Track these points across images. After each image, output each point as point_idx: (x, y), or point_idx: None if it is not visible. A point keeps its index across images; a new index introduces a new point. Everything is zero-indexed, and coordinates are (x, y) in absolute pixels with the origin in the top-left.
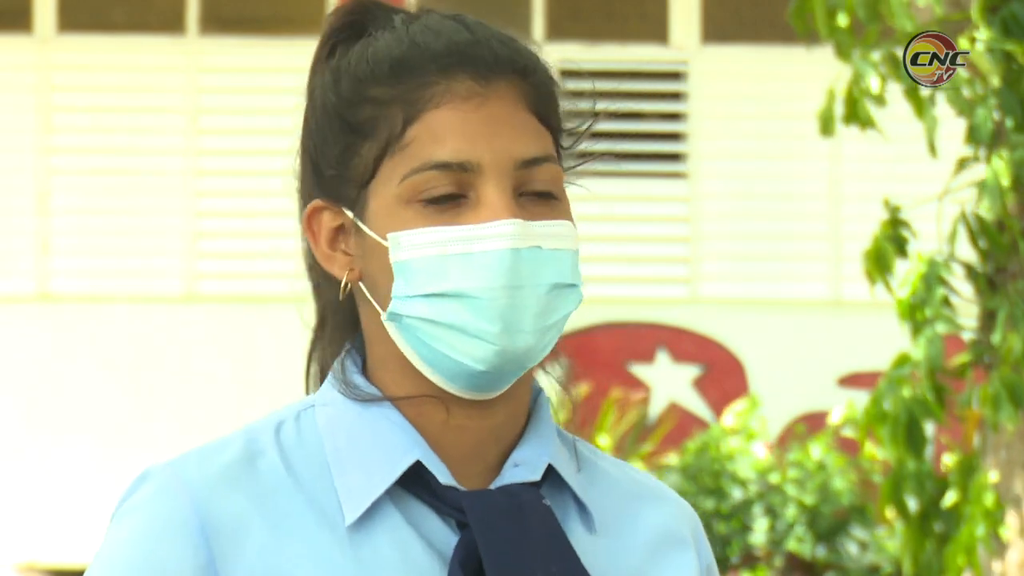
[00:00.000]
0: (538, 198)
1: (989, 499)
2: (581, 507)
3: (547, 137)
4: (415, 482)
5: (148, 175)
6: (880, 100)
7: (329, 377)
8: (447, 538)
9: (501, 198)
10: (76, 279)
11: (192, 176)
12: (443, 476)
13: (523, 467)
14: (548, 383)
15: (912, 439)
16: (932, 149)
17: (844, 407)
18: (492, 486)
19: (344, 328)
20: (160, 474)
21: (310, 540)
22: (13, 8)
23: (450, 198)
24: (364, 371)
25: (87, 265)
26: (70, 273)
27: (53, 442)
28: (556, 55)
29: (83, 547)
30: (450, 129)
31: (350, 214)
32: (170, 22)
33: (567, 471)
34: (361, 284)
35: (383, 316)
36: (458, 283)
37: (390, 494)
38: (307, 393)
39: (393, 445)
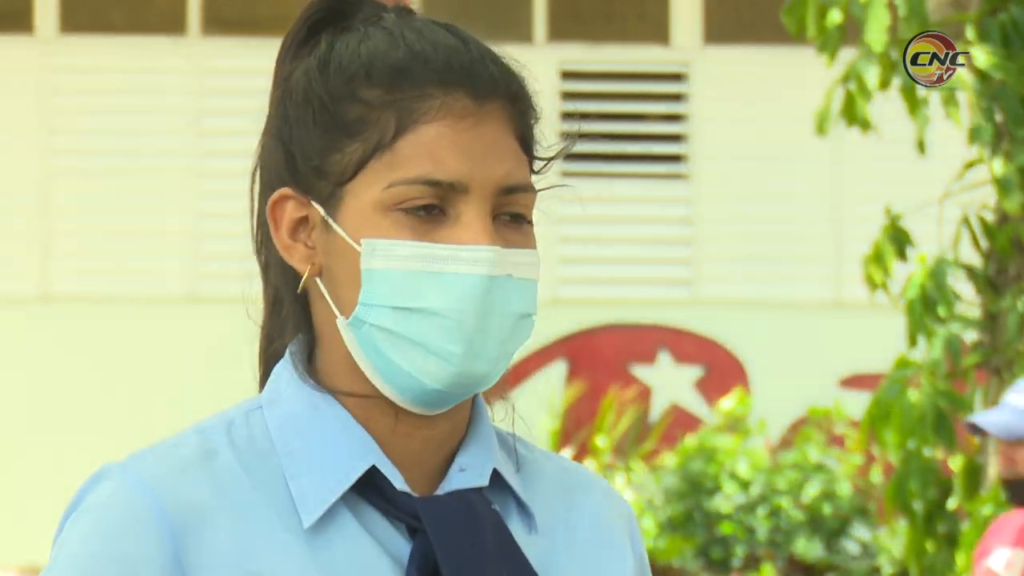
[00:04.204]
0: (511, 222)
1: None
2: (522, 508)
3: (526, 164)
4: (367, 486)
5: (150, 176)
6: (869, 94)
7: (277, 374)
8: (398, 543)
9: (482, 222)
10: (78, 280)
11: (194, 177)
12: (398, 482)
13: (469, 472)
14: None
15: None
16: (921, 147)
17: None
18: (439, 491)
19: (294, 321)
20: (119, 472)
21: (273, 538)
22: (14, 10)
23: (430, 212)
24: (311, 368)
25: (89, 266)
26: (72, 274)
27: (55, 443)
28: (557, 57)
29: None
30: (444, 146)
31: (320, 209)
32: (171, 23)
33: (508, 473)
34: (319, 280)
35: (340, 319)
36: (429, 301)
37: (343, 498)
38: (260, 387)
39: (347, 449)
